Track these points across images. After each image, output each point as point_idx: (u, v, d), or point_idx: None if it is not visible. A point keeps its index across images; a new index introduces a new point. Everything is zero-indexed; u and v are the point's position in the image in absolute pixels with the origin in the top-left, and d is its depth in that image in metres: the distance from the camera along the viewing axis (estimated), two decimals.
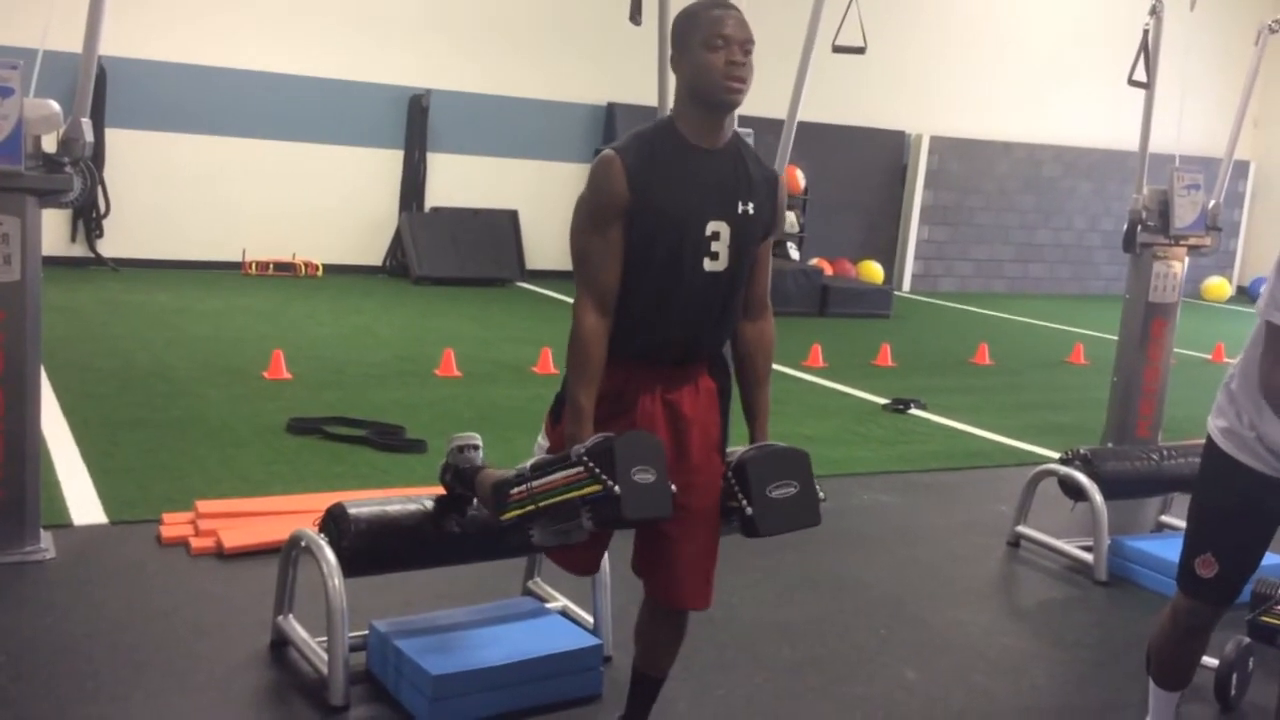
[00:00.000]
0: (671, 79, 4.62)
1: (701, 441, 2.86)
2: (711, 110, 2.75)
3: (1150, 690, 3.35)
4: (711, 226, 2.74)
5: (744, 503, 2.78)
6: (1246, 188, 17.43)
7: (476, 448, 3.38)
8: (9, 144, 3.94)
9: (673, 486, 2.65)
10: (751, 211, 2.79)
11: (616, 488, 2.53)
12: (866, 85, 13.66)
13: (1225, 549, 3.09)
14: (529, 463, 2.75)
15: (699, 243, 2.73)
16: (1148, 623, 4.22)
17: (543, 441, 2.85)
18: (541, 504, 2.67)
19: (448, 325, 9.62)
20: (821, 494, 2.87)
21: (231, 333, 8.55)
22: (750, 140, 5.20)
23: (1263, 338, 2.87)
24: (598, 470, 2.56)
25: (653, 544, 2.87)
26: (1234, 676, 3.69)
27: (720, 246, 2.75)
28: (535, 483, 2.69)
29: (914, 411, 7.64)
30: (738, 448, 2.92)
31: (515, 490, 2.73)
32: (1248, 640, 3.70)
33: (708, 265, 2.75)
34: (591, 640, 3.56)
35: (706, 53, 2.68)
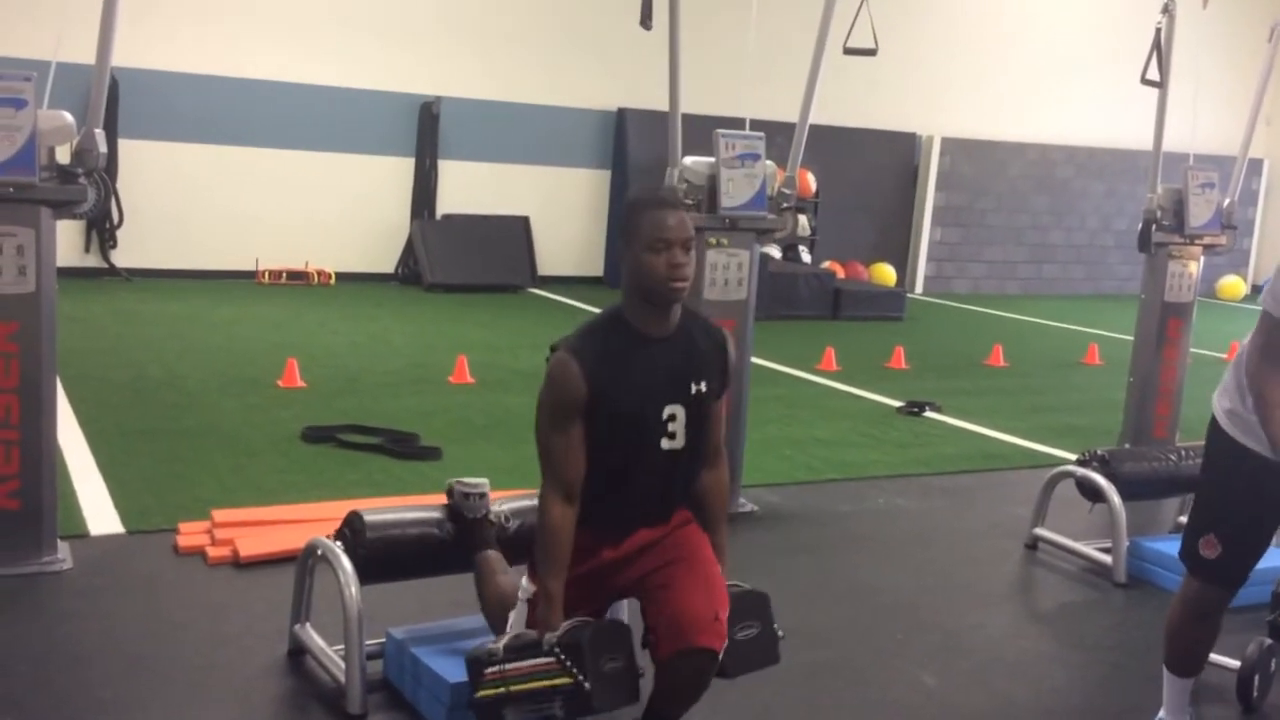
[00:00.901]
0: (684, 82, 4.64)
1: (674, 523, 3.01)
2: (657, 306, 2.88)
3: (1164, 678, 3.35)
4: (668, 410, 2.91)
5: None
6: (1261, 186, 17.35)
7: (484, 495, 3.47)
8: (23, 155, 3.95)
9: (640, 670, 2.81)
10: (704, 389, 2.94)
11: (586, 684, 2.70)
12: (878, 87, 13.64)
13: (1227, 530, 3.10)
14: (503, 641, 2.87)
15: (656, 426, 2.90)
16: None
17: (527, 585, 2.93)
18: (513, 689, 2.79)
19: (460, 332, 9.63)
20: (780, 633, 3.03)
21: (245, 342, 8.57)
22: (762, 145, 5.22)
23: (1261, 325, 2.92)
24: (569, 663, 2.72)
25: (662, 600, 2.89)
26: (1256, 678, 3.66)
27: (677, 427, 2.92)
28: (508, 666, 2.81)
29: (928, 414, 7.62)
30: None
31: (489, 671, 2.84)
32: (1270, 641, 3.68)
33: (665, 445, 2.91)
34: None
35: (649, 254, 2.81)
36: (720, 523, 3.10)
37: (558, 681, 2.73)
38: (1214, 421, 3.14)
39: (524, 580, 2.97)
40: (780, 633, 3.03)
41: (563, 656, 2.73)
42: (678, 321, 2.93)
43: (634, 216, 2.87)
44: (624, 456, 2.89)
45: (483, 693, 2.84)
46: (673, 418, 2.90)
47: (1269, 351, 2.94)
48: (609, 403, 2.82)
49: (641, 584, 2.95)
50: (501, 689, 2.80)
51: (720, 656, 2.85)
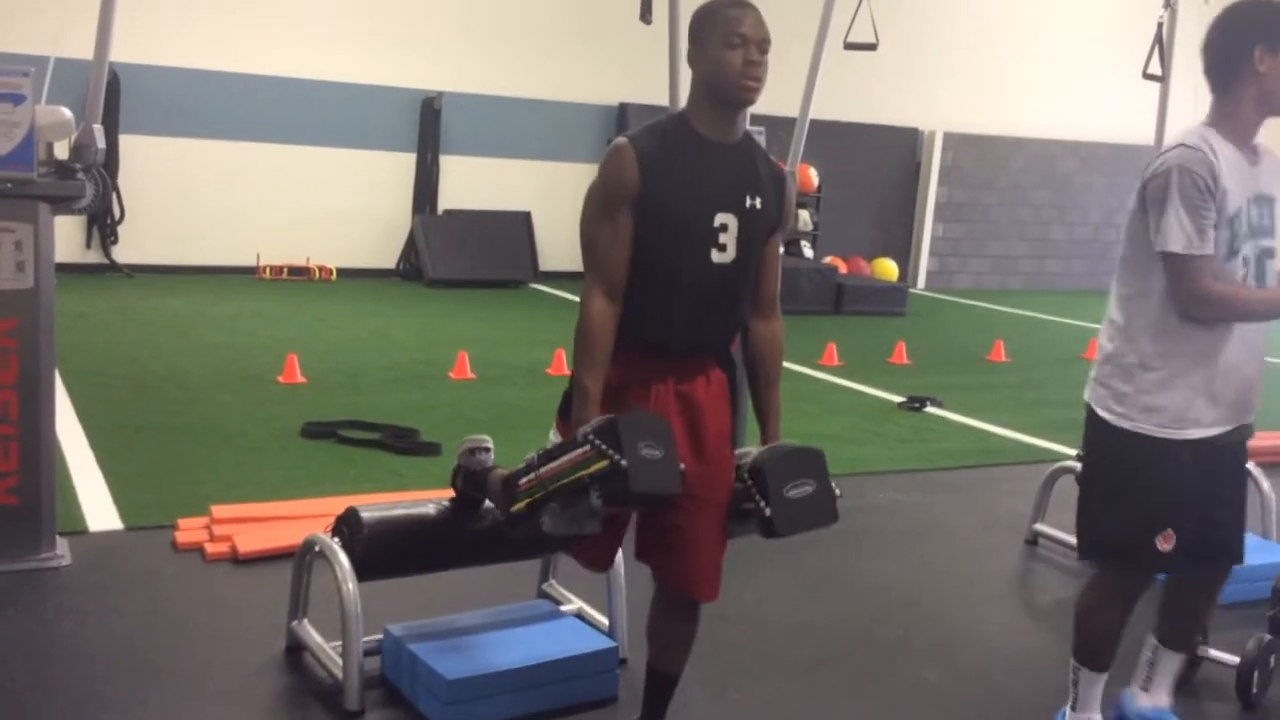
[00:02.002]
0: (684, 77, 4.60)
1: (715, 432, 2.87)
2: (726, 107, 2.77)
3: (1079, 678, 3.26)
4: (719, 218, 2.76)
5: (762, 504, 2.78)
6: None
7: (488, 450, 3.38)
8: (21, 151, 3.94)
9: (682, 465, 2.66)
10: (759, 206, 2.81)
11: (624, 461, 2.53)
12: (879, 82, 13.61)
13: (1183, 522, 2.99)
14: (534, 453, 2.76)
15: (706, 234, 2.76)
16: None
17: (555, 438, 2.85)
18: (550, 488, 2.68)
19: (461, 327, 9.62)
20: (838, 490, 2.87)
21: (245, 337, 8.57)
22: (762, 139, 5.21)
23: (1153, 280, 2.93)
24: (604, 446, 2.57)
25: (664, 533, 2.86)
26: (1255, 674, 3.66)
27: (728, 238, 2.77)
28: (543, 470, 2.71)
29: (930, 409, 7.61)
30: (750, 448, 2.92)
31: (523, 480, 2.75)
32: (1269, 638, 3.68)
33: (715, 257, 2.77)
34: (607, 643, 3.54)
35: (725, 50, 2.70)
36: (775, 379, 2.98)
37: (594, 467, 2.58)
38: (1114, 427, 3.00)
39: (551, 433, 2.87)
40: (838, 491, 2.87)
41: (597, 441, 2.59)
42: (742, 135, 2.83)
43: (709, 15, 2.76)
44: (672, 263, 2.75)
45: (516, 505, 2.76)
46: (724, 227, 2.76)
47: (1183, 284, 2.89)
48: (660, 196, 2.71)
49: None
50: (539, 492, 2.71)
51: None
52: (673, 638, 3.02)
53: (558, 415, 2.89)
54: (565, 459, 2.66)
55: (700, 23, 2.78)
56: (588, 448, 2.61)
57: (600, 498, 2.60)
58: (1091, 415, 3.12)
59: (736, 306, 2.87)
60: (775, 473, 2.79)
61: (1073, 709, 3.30)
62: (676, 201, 2.72)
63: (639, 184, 2.70)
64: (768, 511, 2.77)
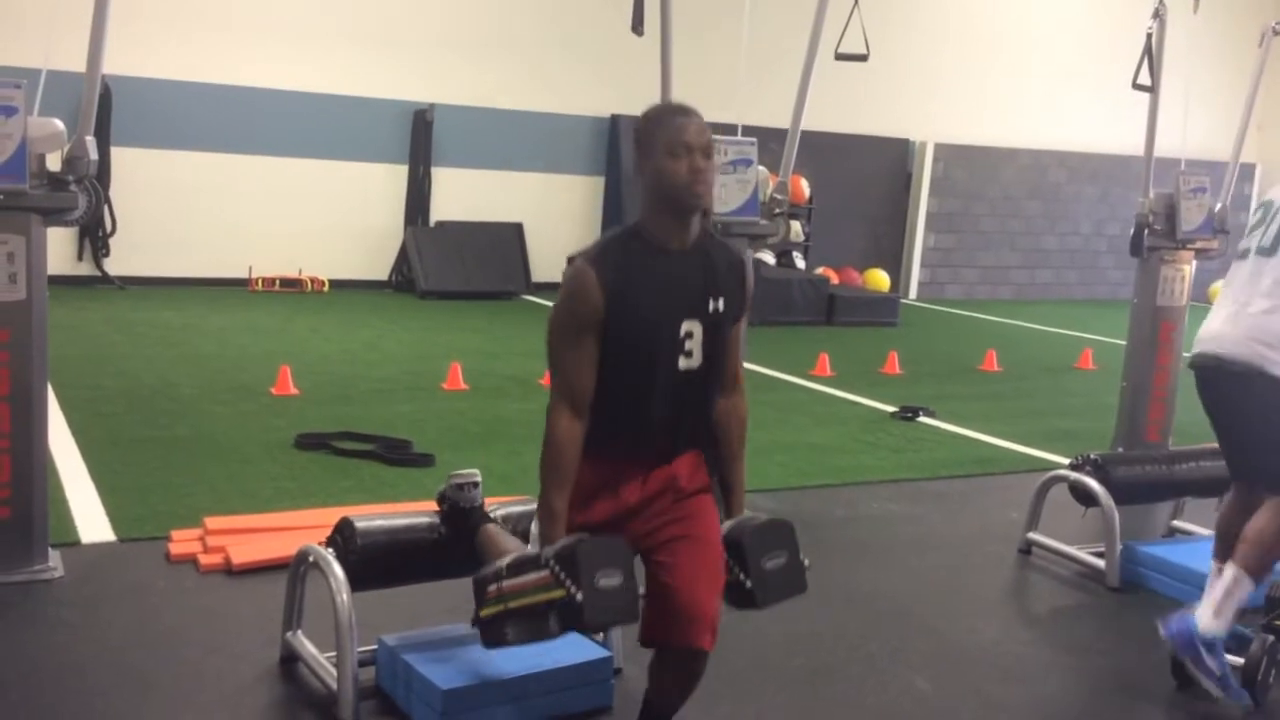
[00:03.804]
0: (676, 87, 4.65)
1: (689, 488, 2.92)
2: (677, 214, 2.81)
3: (1238, 588, 3.61)
4: (685, 327, 2.82)
5: (742, 577, 2.86)
6: (1252, 190, 17.38)
7: (476, 485, 3.43)
8: (13, 163, 3.94)
9: (641, 591, 2.75)
10: (722, 308, 2.86)
11: (579, 595, 2.61)
12: (870, 93, 13.65)
13: None
14: (505, 560, 2.82)
15: (673, 343, 2.82)
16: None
17: (535, 529, 2.90)
18: (510, 605, 2.75)
19: (454, 339, 9.62)
20: (806, 560, 2.98)
21: (238, 349, 8.56)
22: (754, 150, 5.23)
23: None
24: (562, 576, 2.64)
25: (667, 587, 2.83)
26: (1261, 672, 3.67)
27: (694, 345, 2.83)
28: (505, 584, 2.77)
29: (922, 419, 7.62)
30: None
31: (490, 589, 2.81)
32: (1273, 638, 3.70)
33: (682, 364, 2.82)
34: (602, 652, 3.54)
35: (669, 159, 2.75)
36: (739, 453, 3.02)
37: (552, 595, 2.66)
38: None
39: (533, 525, 2.89)
40: (806, 561, 2.95)
41: (556, 568, 2.66)
42: (696, 236, 2.85)
43: (652, 124, 2.80)
44: (640, 375, 2.79)
45: (485, 611, 2.80)
46: (690, 334, 2.81)
47: None
48: (625, 314, 2.74)
49: (653, 538, 2.86)
50: (500, 606, 2.76)
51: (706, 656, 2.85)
52: (672, 686, 2.97)
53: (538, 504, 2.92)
54: (528, 579, 2.72)
55: (644, 132, 2.82)
56: (547, 573, 2.68)
57: (557, 622, 2.69)
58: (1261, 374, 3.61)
59: (706, 406, 2.93)
60: (753, 546, 2.87)
61: (1216, 615, 3.59)
62: (641, 318, 2.76)
63: (603, 308, 2.73)
64: (749, 584, 2.85)
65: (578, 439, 2.77)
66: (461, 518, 3.43)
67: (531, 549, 2.81)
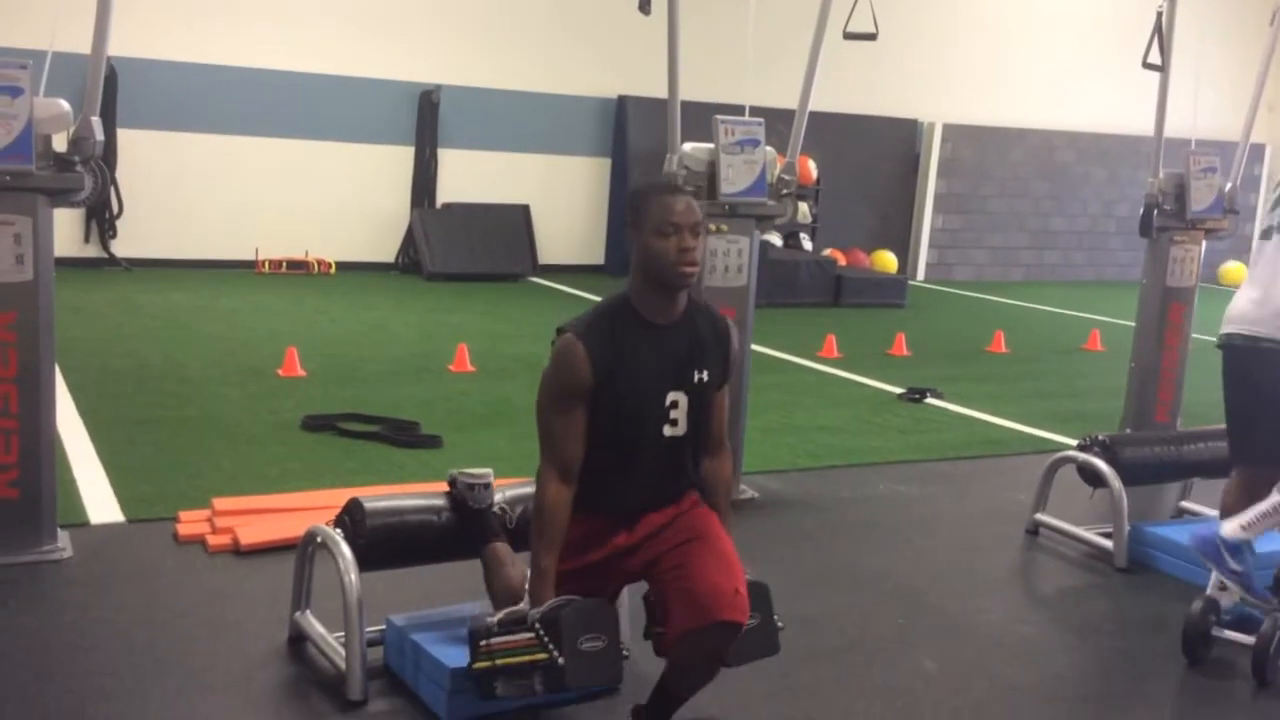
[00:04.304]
0: (683, 70, 4.61)
1: (682, 508, 3.00)
2: (665, 290, 2.89)
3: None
4: (670, 397, 2.93)
5: None
6: (1262, 171, 17.30)
7: (488, 486, 3.47)
8: (19, 144, 3.94)
9: (626, 654, 2.89)
10: (706, 379, 2.96)
11: (560, 660, 2.74)
12: (878, 73, 13.60)
13: None
14: (497, 616, 2.90)
15: (659, 413, 2.92)
16: (1168, 609, 4.20)
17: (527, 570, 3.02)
18: (499, 662, 2.83)
19: (461, 321, 9.62)
20: (780, 624, 3.04)
21: (245, 331, 8.56)
22: (762, 131, 5.20)
23: None
24: (546, 640, 2.76)
25: (676, 579, 2.88)
26: (1271, 653, 3.67)
27: (679, 414, 2.94)
28: (495, 640, 2.85)
29: (930, 400, 7.61)
30: None
31: (482, 644, 2.87)
32: None
33: (667, 431, 2.94)
34: None
35: (657, 239, 2.83)
36: (723, 513, 3.08)
37: (537, 657, 2.79)
38: None
39: (526, 567, 2.99)
40: (780, 624, 3.04)
41: (541, 632, 2.78)
42: (683, 308, 2.94)
43: (641, 203, 2.89)
44: (627, 442, 2.90)
45: (477, 665, 2.88)
46: (675, 404, 2.92)
47: None
48: (613, 388, 2.84)
49: (656, 565, 2.93)
50: (489, 662, 2.84)
51: (743, 629, 2.85)
52: (688, 677, 3.00)
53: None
54: (516, 639, 2.83)
55: (634, 209, 2.91)
56: (533, 635, 2.80)
57: (541, 683, 2.82)
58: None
59: (691, 468, 3.03)
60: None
61: (1243, 527, 3.70)
62: (629, 390, 2.86)
63: (591, 380, 2.84)
64: None
65: (566, 503, 2.88)
66: (472, 518, 3.45)
67: (522, 606, 2.90)
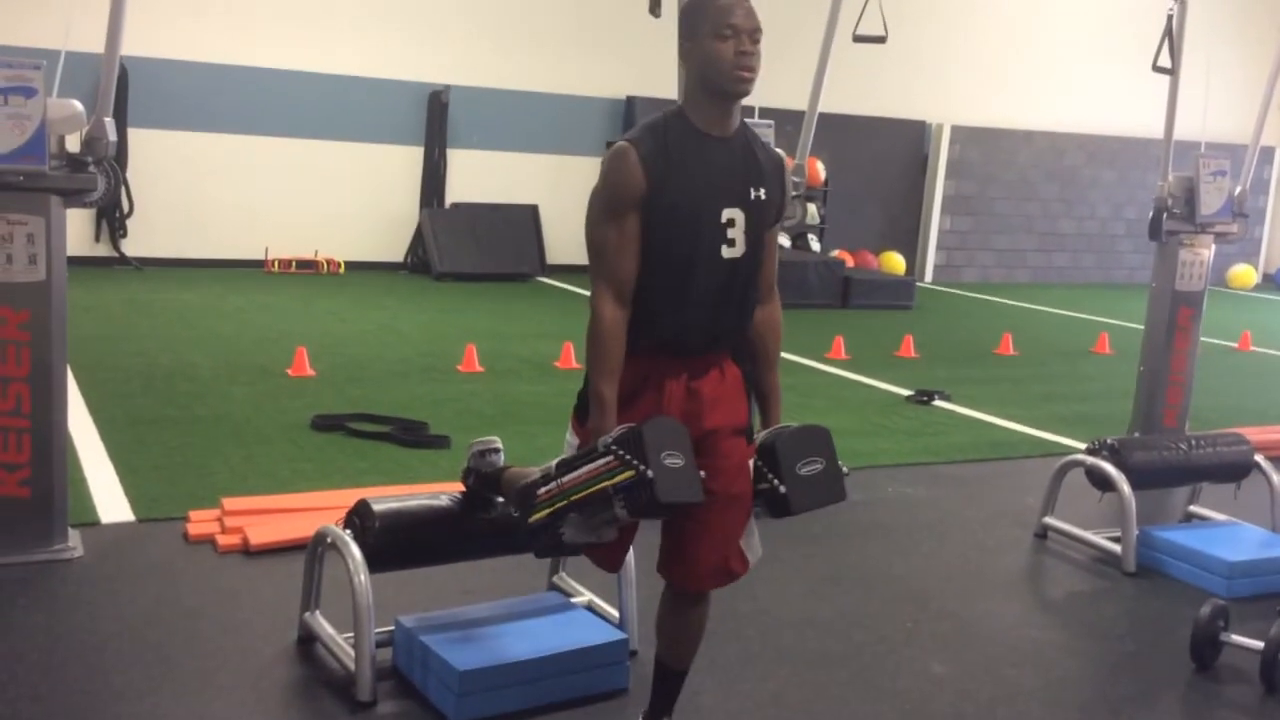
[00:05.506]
0: None
1: (728, 425, 2.85)
2: (722, 99, 2.74)
3: None
4: (727, 214, 2.76)
5: (775, 483, 2.80)
6: (1272, 174, 17.29)
7: (498, 451, 3.42)
8: (33, 144, 3.95)
9: (701, 472, 2.66)
10: (764, 196, 2.81)
11: (649, 471, 2.52)
12: (887, 75, 13.60)
13: None
14: (554, 461, 2.74)
15: (716, 230, 2.75)
16: (1177, 613, 4.20)
17: (571, 439, 2.84)
18: (573, 498, 2.66)
19: (469, 321, 9.63)
20: (845, 468, 2.89)
21: (255, 330, 8.59)
22: (771, 133, 5.21)
23: None
24: (628, 457, 2.56)
25: (678, 532, 2.86)
26: (1278, 658, 3.67)
27: (736, 233, 2.77)
28: (564, 479, 2.68)
29: (938, 403, 7.61)
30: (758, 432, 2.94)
31: (543, 490, 2.72)
32: None
33: (725, 252, 2.76)
34: (617, 635, 3.55)
35: (716, 42, 2.68)
36: (774, 362, 2.98)
37: (619, 478, 2.57)
38: None
39: (568, 434, 2.85)
40: (845, 469, 2.89)
41: (621, 451, 2.57)
42: (738, 126, 2.80)
43: (700, 7, 2.74)
44: (683, 260, 2.72)
45: (536, 515, 2.71)
46: (732, 222, 2.76)
47: None
48: (667, 197, 2.68)
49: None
50: (561, 501, 2.67)
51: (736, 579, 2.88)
52: (681, 632, 3.02)
53: (574, 416, 2.87)
54: (587, 469, 2.63)
55: (690, 15, 2.76)
56: (610, 458, 2.59)
57: (624, 507, 2.59)
58: None
59: (748, 299, 2.87)
60: (787, 451, 2.81)
61: None
62: (684, 200, 2.70)
63: (644, 186, 2.67)
64: (782, 489, 2.78)
65: (623, 327, 2.71)
66: (487, 487, 3.39)
67: (571, 454, 2.74)
